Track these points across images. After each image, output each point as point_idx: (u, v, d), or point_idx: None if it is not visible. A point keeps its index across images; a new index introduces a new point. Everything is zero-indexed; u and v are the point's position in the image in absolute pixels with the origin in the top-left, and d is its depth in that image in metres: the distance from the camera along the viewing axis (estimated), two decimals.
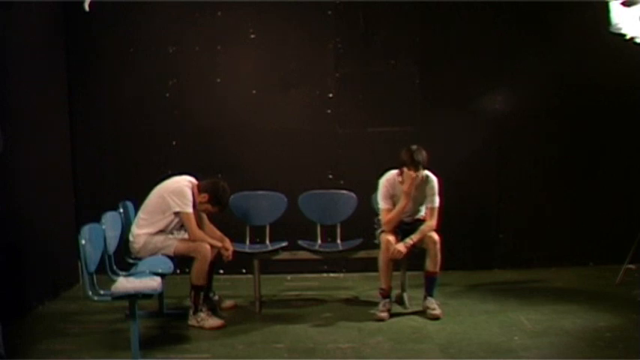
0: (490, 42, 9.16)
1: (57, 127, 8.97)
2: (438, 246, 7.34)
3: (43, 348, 6.79)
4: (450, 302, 7.81)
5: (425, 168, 7.34)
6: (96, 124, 9.40)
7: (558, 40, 9.11)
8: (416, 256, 7.52)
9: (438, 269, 7.43)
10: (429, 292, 7.51)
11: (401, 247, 7.28)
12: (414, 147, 7.28)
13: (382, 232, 7.52)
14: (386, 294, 7.51)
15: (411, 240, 7.32)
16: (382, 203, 7.53)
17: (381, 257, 7.45)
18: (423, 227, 7.39)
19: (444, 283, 7.71)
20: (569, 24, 9.03)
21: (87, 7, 8.67)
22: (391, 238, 7.38)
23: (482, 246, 9.25)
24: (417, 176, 7.33)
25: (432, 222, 7.44)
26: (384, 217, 7.50)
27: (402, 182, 7.40)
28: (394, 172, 7.46)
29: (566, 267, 9.10)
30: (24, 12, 8.02)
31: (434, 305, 7.42)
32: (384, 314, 7.40)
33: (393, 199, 7.52)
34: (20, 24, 7.94)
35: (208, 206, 7.47)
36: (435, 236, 7.36)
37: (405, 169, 7.33)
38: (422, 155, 7.28)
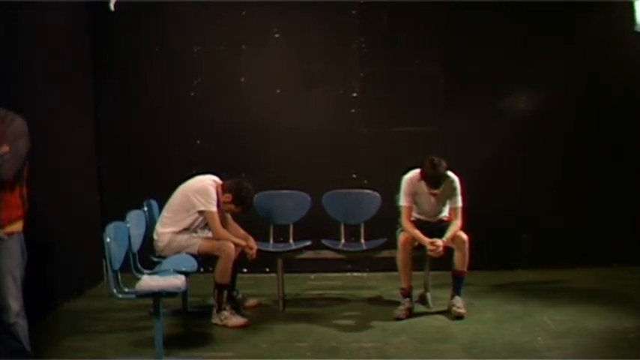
0: (514, 42, 9.12)
1: (82, 126, 9.03)
2: (467, 245, 7.32)
3: (68, 345, 6.84)
4: (474, 302, 7.78)
5: (446, 177, 7.32)
6: (121, 123, 9.46)
7: (583, 39, 9.07)
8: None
9: (465, 268, 7.42)
10: (456, 291, 7.49)
11: (439, 242, 7.25)
12: (436, 161, 7.23)
13: (401, 231, 7.52)
14: (406, 293, 7.51)
15: (445, 239, 7.29)
16: (403, 200, 7.52)
17: (399, 256, 7.45)
18: (453, 227, 7.37)
19: (468, 283, 7.68)
20: (593, 23, 8.99)
21: (112, 7, 8.73)
22: (410, 237, 7.38)
23: (505, 246, 9.21)
24: (436, 193, 7.33)
25: (459, 222, 7.42)
26: (403, 215, 7.48)
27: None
28: (417, 171, 7.45)
29: (590, 267, 9.04)
30: (50, 12, 8.07)
31: (460, 304, 7.40)
32: (403, 313, 7.40)
33: (413, 197, 7.51)
34: (46, 24, 7.99)
35: (232, 206, 7.49)
36: (464, 236, 7.35)
37: (425, 182, 7.33)
38: (443, 171, 7.24)
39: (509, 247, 9.25)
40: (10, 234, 5.41)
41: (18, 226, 5.49)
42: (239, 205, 7.49)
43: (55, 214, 7.71)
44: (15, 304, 5.43)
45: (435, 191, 7.33)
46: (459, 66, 9.22)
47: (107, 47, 9.36)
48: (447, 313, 7.45)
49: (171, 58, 9.38)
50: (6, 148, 5.30)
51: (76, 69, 8.90)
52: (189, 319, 7.58)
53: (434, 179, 7.24)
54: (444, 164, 7.23)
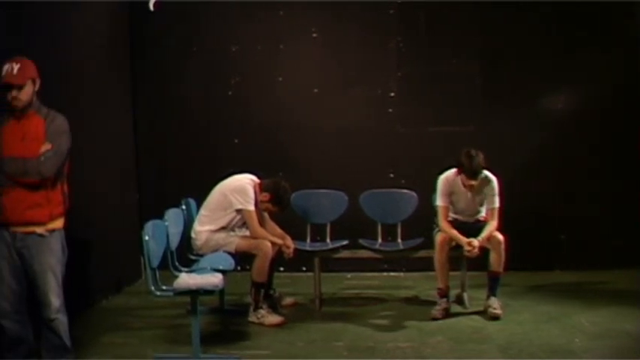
0: (552, 42, 9.07)
1: (121, 125, 9.11)
2: (503, 246, 7.29)
3: (106, 341, 6.91)
4: (511, 303, 7.75)
5: (483, 169, 7.29)
6: (159, 123, 9.53)
7: (621, 39, 9.00)
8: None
9: (502, 269, 7.39)
10: (492, 292, 7.47)
11: (475, 242, 7.24)
12: (473, 152, 7.22)
13: (438, 231, 7.51)
14: (443, 293, 7.50)
15: (481, 239, 7.28)
16: (439, 200, 7.50)
17: (437, 257, 7.43)
18: (489, 227, 7.34)
19: (505, 284, 7.65)
20: (632, 23, 8.91)
21: (152, 7, 8.81)
22: (447, 237, 7.37)
23: (543, 247, 9.16)
24: (473, 185, 7.31)
25: (495, 222, 7.39)
26: (440, 215, 7.48)
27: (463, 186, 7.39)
28: (453, 170, 7.43)
29: (627, 269, 8.92)
30: (90, 12, 8.16)
31: (496, 305, 7.38)
32: (439, 313, 7.39)
33: (450, 197, 7.50)
34: (86, 23, 8.08)
35: (269, 205, 7.51)
36: (500, 236, 7.32)
37: (462, 175, 7.31)
38: (480, 161, 7.23)
39: (547, 248, 9.19)
40: (52, 231, 5.50)
41: (59, 223, 5.57)
42: (276, 205, 7.51)
43: (94, 211, 7.78)
44: (56, 300, 5.51)
45: (472, 182, 7.29)
46: (497, 66, 9.18)
47: (146, 47, 9.44)
48: (484, 313, 7.42)
49: (209, 57, 9.44)
50: (48, 146, 5.39)
51: (116, 69, 8.98)
52: (226, 317, 7.61)
53: (470, 169, 7.21)
54: (481, 155, 7.20)
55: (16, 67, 5.36)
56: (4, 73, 5.35)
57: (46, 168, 5.35)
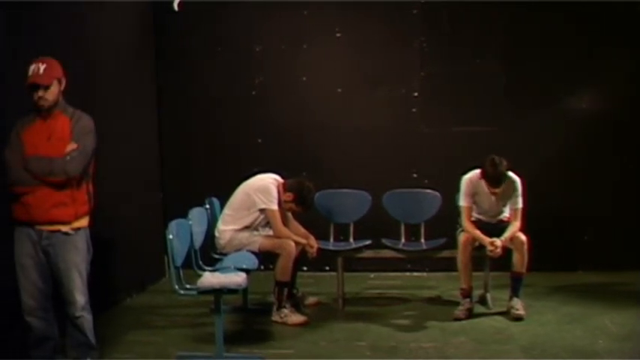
0: (576, 41, 9.02)
1: (146, 125, 9.15)
2: (526, 246, 7.28)
3: (131, 339, 6.96)
4: (534, 304, 7.73)
5: (507, 170, 7.28)
6: (183, 122, 9.57)
7: None
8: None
9: (524, 270, 7.37)
10: (515, 293, 7.45)
11: (498, 242, 7.23)
12: (497, 160, 7.19)
13: (461, 231, 7.50)
14: (466, 294, 7.49)
15: (504, 239, 7.26)
16: (463, 201, 7.49)
17: (460, 257, 7.43)
18: (511, 227, 7.33)
19: (528, 284, 7.63)
20: None
21: (176, 7, 8.85)
22: (470, 237, 7.36)
23: (566, 247, 9.12)
24: (497, 192, 7.30)
25: (518, 223, 7.37)
26: (463, 215, 7.47)
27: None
28: (477, 171, 7.42)
29: None
30: (115, 12, 8.21)
31: (519, 306, 7.36)
32: (462, 314, 7.38)
33: (474, 197, 7.49)
34: (111, 23, 8.12)
35: (292, 205, 7.53)
36: (523, 237, 7.30)
37: (486, 182, 7.30)
38: (504, 170, 7.21)
39: (570, 249, 9.16)
40: (77, 229, 5.54)
41: (84, 222, 5.61)
42: (300, 205, 7.53)
43: (119, 210, 7.83)
44: (81, 298, 5.55)
45: (496, 190, 7.30)
46: (520, 65, 9.15)
47: (170, 47, 9.48)
48: (507, 314, 7.41)
49: (233, 57, 9.47)
50: (74, 146, 5.43)
51: (140, 69, 9.03)
52: (249, 316, 7.63)
53: (494, 178, 7.21)
54: (504, 163, 7.19)
55: (42, 67, 5.40)
56: (30, 73, 5.40)
57: (71, 167, 5.39)
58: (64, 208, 5.44)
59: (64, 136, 5.47)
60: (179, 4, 8.97)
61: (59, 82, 5.50)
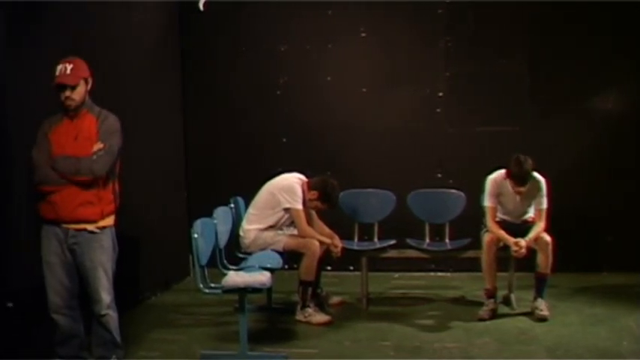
0: (602, 41, 8.96)
1: (171, 124, 9.19)
2: (550, 247, 7.25)
3: (155, 337, 6.99)
4: (558, 304, 7.70)
5: (532, 169, 7.26)
6: (208, 121, 9.61)
7: None
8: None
9: (549, 270, 7.35)
10: (539, 293, 7.42)
11: (522, 243, 7.21)
12: (522, 158, 7.18)
13: (486, 231, 7.49)
14: (491, 294, 7.47)
15: (528, 239, 7.25)
16: (487, 201, 7.47)
17: (484, 257, 7.41)
18: (536, 228, 7.31)
19: (552, 285, 7.60)
20: None
21: (202, 7, 8.88)
22: (495, 238, 7.35)
23: (591, 248, 9.07)
24: (522, 191, 7.29)
25: (543, 223, 7.35)
26: (488, 215, 7.46)
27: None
28: (502, 171, 7.40)
29: None
30: (142, 12, 8.25)
31: (543, 306, 7.34)
32: (487, 314, 7.37)
33: (498, 198, 7.47)
34: (137, 24, 8.17)
35: (318, 203, 7.54)
36: (548, 237, 7.28)
37: (511, 181, 7.28)
38: (529, 168, 7.20)
39: (595, 249, 9.11)
40: (103, 228, 5.58)
41: (110, 221, 5.65)
42: (325, 202, 7.53)
43: (144, 209, 7.87)
44: (106, 296, 5.60)
45: (521, 189, 7.28)
46: (545, 66, 9.11)
47: (196, 46, 9.52)
48: (531, 314, 7.38)
49: (258, 57, 9.49)
50: (100, 145, 5.48)
51: (166, 68, 9.06)
52: (273, 315, 7.65)
53: (520, 176, 7.19)
54: (529, 162, 7.17)
55: (69, 67, 5.44)
56: (57, 73, 5.44)
57: (98, 167, 5.43)
58: (90, 207, 5.49)
59: (91, 136, 5.52)
60: (204, 4, 9.01)
61: (86, 82, 5.55)
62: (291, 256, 7.49)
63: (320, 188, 7.49)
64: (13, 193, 5.75)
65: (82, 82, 5.50)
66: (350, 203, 8.26)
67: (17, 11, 5.82)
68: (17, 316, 5.75)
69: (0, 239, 5.69)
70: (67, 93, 5.44)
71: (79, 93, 5.48)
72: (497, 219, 7.49)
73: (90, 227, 5.54)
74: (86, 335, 5.78)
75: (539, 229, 7.31)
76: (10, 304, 5.69)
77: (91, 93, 5.62)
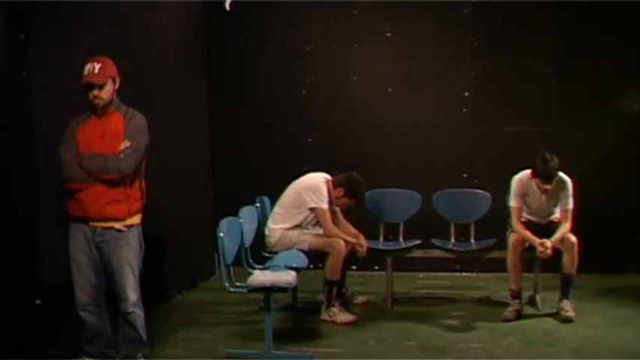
0: (628, 41, 8.93)
1: (197, 124, 9.23)
2: (576, 248, 7.22)
3: (181, 336, 7.03)
4: (583, 306, 7.67)
5: (557, 173, 7.23)
6: (235, 121, 9.65)
7: None
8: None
9: (574, 271, 7.32)
10: (565, 294, 7.39)
11: (548, 243, 7.19)
12: (548, 156, 7.16)
13: (511, 232, 7.47)
14: (516, 295, 7.45)
15: (554, 240, 7.22)
16: (513, 201, 7.45)
17: (510, 258, 7.39)
18: (562, 228, 7.28)
19: (578, 286, 7.57)
20: None
21: (228, 7, 8.92)
22: (520, 238, 7.33)
23: (617, 249, 9.01)
24: (548, 189, 7.26)
25: (569, 224, 7.33)
26: (513, 215, 7.44)
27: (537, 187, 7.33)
28: (527, 171, 7.38)
29: None
30: (168, 12, 8.30)
31: (568, 307, 7.31)
32: (512, 314, 7.35)
33: (524, 198, 7.45)
34: (164, 24, 8.22)
35: (345, 200, 7.54)
36: (573, 238, 7.25)
37: (537, 179, 7.26)
38: (555, 165, 7.18)
39: (621, 250, 9.06)
40: (130, 227, 5.61)
41: (137, 219, 5.68)
42: (353, 198, 7.53)
43: (170, 208, 7.91)
44: (133, 294, 5.62)
45: (546, 187, 7.24)
46: (572, 65, 9.08)
47: (222, 46, 9.57)
48: (557, 315, 7.35)
49: (284, 56, 9.52)
50: (127, 144, 5.51)
51: (193, 68, 9.11)
52: (298, 315, 7.67)
53: (545, 174, 7.16)
54: (555, 160, 7.14)
55: (97, 66, 5.48)
56: (85, 72, 5.48)
57: (125, 165, 5.47)
58: (117, 205, 5.52)
59: (118, 134, 5.55)
60: (231, 4, 9.05)
61: (114, 81, 5.58)
62: (317, 256, 7.50)
63: (346, 185, 7.50)
64: (41, 191, 5.79)
65: (109, 82, 5.54)
66: (375, 203, 8.27)
67: (44, 11, 5.86)
68: (45, 313, 5.80)
69: (28, 237, 5.72)
70: (95, 92, 5.48)
71: (107, 92, 5.52)
72: (523, 219, 7.47)
73: (117, 225, 5.57)
74: (113, 333, 5.82)
75: (564, 229, 7.29)
76: (38, 302, 5.73)
77: (119, 92, 5.66)
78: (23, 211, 5.69)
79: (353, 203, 7.59)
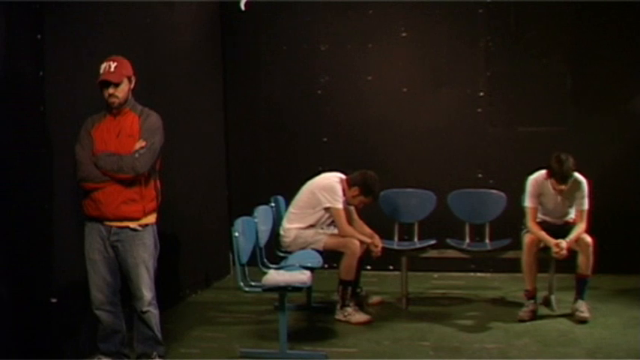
0: None
1: (212, 123, 9.24)
2: (591, 248, 7.20)
3: (196, 335, 7.04)
4: (598, 306, 7.64)
5: (573, 173, 7.21)
6: (249, 121, 9.67)
7: None
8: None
9: (590, 272, 7.29)
10: (580, 295, 7.37)
11: (563, 244, 7.17)
12: (564, 156, 7.14)
13: (526, 232, 7.46)
14: (531, 295, 7.43)
15: (569, 240, 7.21)
16: (528, 201, 7.43)
17: (524, 258, 7.37)
18: (577, 229, 7.26)
19: (593, 287, 7.55)
20: None
21: (243, 7, 8.93)
22: (535, 238, 7.31)
23: (633, 250, 8.96)
24: (563, 189, 7.24)
25: (584, 224, 7.31)
26: (529, 216, 7.42)
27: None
28: (543, 172, 7.36)
29: None
30: (183, 12, 8.31)
31: (583, 308, 7.29)
32: (526, 315, 7.33)
33: (539, 198, 7.44)
34: (179, 23, 8.23)
35: (362, 198, 7.53)
36: (589, 238, 7.23)
37: (552, 179, 7.24)
38: (571, 166, 7.16)
39: (636, 251, 9.01)
40: (145, 226, 5.63)
41: (152, 219, 5.70)
42: (368, 195, 7.52)
43: (185, 208, 7.94)
44: (148, 293, 5.64)
45: (562, 188, 7.22)
46: (587, 66, 9.06)
47: (237, 46, 9.59)
48: (572, 316, 7.33)
49: (299, 56, 9.54)
50: (142, 143, 5.52)
51: (208, 67, 9.13)
52: (312, 314, 7.67)
53: (561, 174, 7.14)
54: (571, 160, 7.12)
55: (113, 65, 5.51)
56: (102, 71, 5.51)
57: (140, 164, 5.48)
58: (133, 205, 5.54)
59: (133, 134, 5.57)
60: (246, 4, 9.07)
61: (129, 80, 5.60)
62: (331, 256, 7.50)
63: (360, 183, 7.50)
64: (57, 190, 5.82)
65: (125, 80, 5.56)
66: (390, 203, 8.27)
67: (61, 12, 5.90)
68: (61, 311, 5.82)
69: (44, 236, 5.75)
70: (111, 90, 5.50)
71: (123, 90, 5.54)
72: (538, 220, 7.46)
73: (132, 225, 5.59)
74: (128, 331, 5.84)
75: (580, 230, 7.27)
76: (54, 300, 5.76)
77: (134, 92, 5.68)
78: (39, 209, 5.72)
79: (369, 201, 7.59)
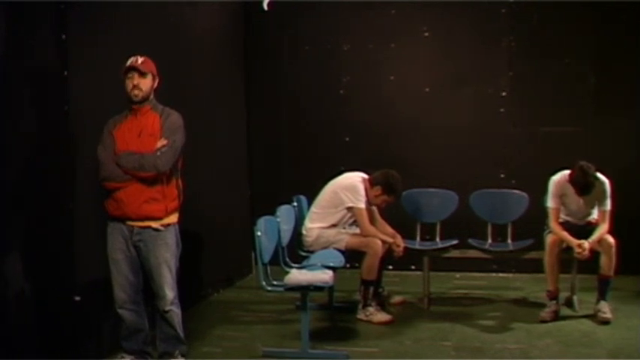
0: None
1: (234, 122, 9.27)
2: (614, 249, 7.18)
3: (218, 334, 7.06)
4: (621, 307, 7.61)
5: (594, 184, 7.18)
6: (272, 120, 9.70)
7: None
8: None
9: (612, 273, 7.27)
10: (602, 296, 7.35)
11: (585, 244, 7.15)
12: (586, 167, 7.07)
13: (549, 232, 7.44)
14: (553, 296, 7.42)
15: (592, 241, 7.18)
16: (550, 202, 7.42)
17: (547, 259, 7.36)
18: (599, 230, 7.24)
19: (615, 288, 7.52)
20: None
21: (265, 7, 8.96)
22: (558, 239, 7.29)
23: None
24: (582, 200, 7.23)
25: (606, 225, 7.28)
26: (551, 216, 7.40)
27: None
28: (566, 172, 7.34)
29: None
30: (206, 12, 8.35)
31: (606, 309, 7.27)
32: (548, 316, 7.32)
33: (561, 199, 7.41)
34: (202, 24, 8.27)
35: (384, 197, 7.53)
36: (611, 239, 7.20)
37: (574, 188, 7.22)
38: (592, 180, 7.12)
39: None
40: (167, 225, 5.65)
41: (174, 218, 5.72)
42: (391, 194, 7.53)
43: (207, 207, 7.95)
44: (170, 292, 5.67)
45: (583, 198, 7.25)
46: (609, 66, 9.01)
47: (259, 46, 9.61)
48: (594, 317, 7.31)
49: (321, 56, 9.55)
50: (164, 142, 5.55)
51: (230, 67, 9.16)
52: (334, 314, 7.68)
53: (584, 187, 7.12)
54: (593, 168, 7.10)
55: (140, 59, 5.58)
56: (129, 62, 5.56)
57: (161, 163, 5.50)
58: (155, 204, 5.56)
59: (155, 132, 5.60)
60: (269, 4, 9.09)
61: (154, 77, 5.64)
62: (353, 255, 7.51)
63: (382, 182, 7.50)
64: (80, 189, 5.86)
65: (150, 75, 5.60)
66: (412, 203, 8.27)
67: (85, 12, 5.94)
68: (84, 309, 5.87)
69: (68, 235, 5.79)
70: (136, 80, 5.53)
71: (147, 83, 5.57)
72: (561, 220, 7.44)
73: (154, 225, 5.61)
74: (151, 330, 5.88)
75: (602, 230, 7.24)
76: (77, 298, 5.80)
77: (157, 91, 5.70)
78: (63, 208, 5.76)
79: (391, 200, 7.59)
